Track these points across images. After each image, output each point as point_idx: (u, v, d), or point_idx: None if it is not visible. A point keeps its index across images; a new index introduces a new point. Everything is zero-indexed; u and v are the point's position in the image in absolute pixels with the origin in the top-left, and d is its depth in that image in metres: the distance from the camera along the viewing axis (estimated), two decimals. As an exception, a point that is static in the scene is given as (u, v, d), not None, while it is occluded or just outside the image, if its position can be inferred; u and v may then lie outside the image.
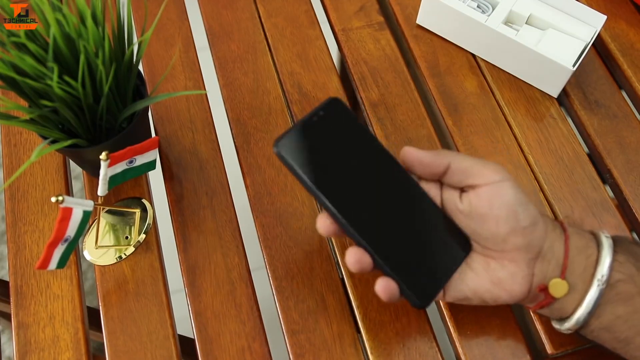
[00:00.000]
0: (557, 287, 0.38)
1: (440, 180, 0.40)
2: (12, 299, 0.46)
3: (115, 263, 0.46)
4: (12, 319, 0.45)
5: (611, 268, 0.37)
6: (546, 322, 0.44)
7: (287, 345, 0.44)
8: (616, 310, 0.37)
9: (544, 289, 0.38)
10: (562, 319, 0.39)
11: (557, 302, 0.38)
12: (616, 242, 0.39)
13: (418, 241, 0.39)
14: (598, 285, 0.37)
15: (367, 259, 0.38)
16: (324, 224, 0.39)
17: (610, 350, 0.39)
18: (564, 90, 0.55)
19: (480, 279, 0.39)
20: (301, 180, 0.38)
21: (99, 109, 0.42)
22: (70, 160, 0.52)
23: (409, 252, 0.39)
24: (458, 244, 0.39)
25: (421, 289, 0.38)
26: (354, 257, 0.38)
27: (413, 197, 0.40)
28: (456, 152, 0.40)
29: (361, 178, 0.39)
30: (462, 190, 0.40)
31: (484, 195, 0.38)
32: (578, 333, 0.39)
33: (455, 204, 0.40)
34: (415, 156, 0.39)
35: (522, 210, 0.37)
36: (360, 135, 0.40)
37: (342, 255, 0.47)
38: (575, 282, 0.38)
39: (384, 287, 0.38)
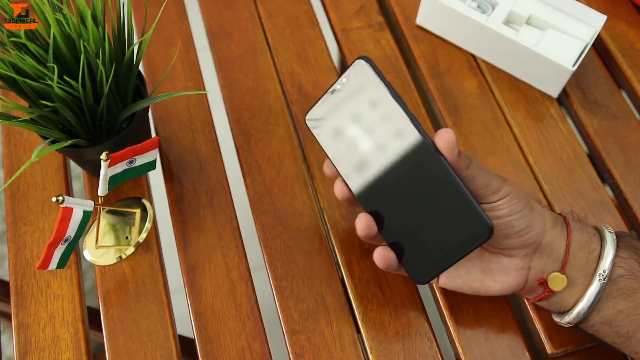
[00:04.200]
0: (556, 281, 0.38)
1: None
2: (12, 299, 0.46)
3: (115, 263, 0.46)
4: (12, 318, 0.45)
5: (613, 263, 0.37)
6: (546, 322, 0.44)
7: (287, 345, 0.44)
8: (618, 305, 0.37)
9: (543, 283, 0.38)
10: (562, 313, 0.40)
11: (556, 296, 0.39)
12: (619, 238, 0.39)
13: (427, 219, 0.38)
14: (599, 280, 0.37)
15: (375, 227, 0.39)
16: (339, 188, 0.40)
17: (610, 345, 0.39)
18: (564, 91, 0.55)
19: (474, 266, 0.39)
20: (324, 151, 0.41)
21: (99, 109, 0.42)
22: (70, 160, 0.52)
23: (414, 229, 0.38)
24: (473, 229, 0.37)
25: (419, 266, 0.39)
26: (364, 223, 0.39)
27: (434, 173, 0.37)
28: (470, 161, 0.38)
29: (380, 149, 0.39)
30: None
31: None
32: (578, 327, 0.40)
33: None
34: (451, 142, 0.36)
35: (515, 218, 0.37)
36: (387, 102, 0.38)
37: (342, 255, 0.47)
38: (577, 276, 0.38)
39: (381, 256, 0.39)
